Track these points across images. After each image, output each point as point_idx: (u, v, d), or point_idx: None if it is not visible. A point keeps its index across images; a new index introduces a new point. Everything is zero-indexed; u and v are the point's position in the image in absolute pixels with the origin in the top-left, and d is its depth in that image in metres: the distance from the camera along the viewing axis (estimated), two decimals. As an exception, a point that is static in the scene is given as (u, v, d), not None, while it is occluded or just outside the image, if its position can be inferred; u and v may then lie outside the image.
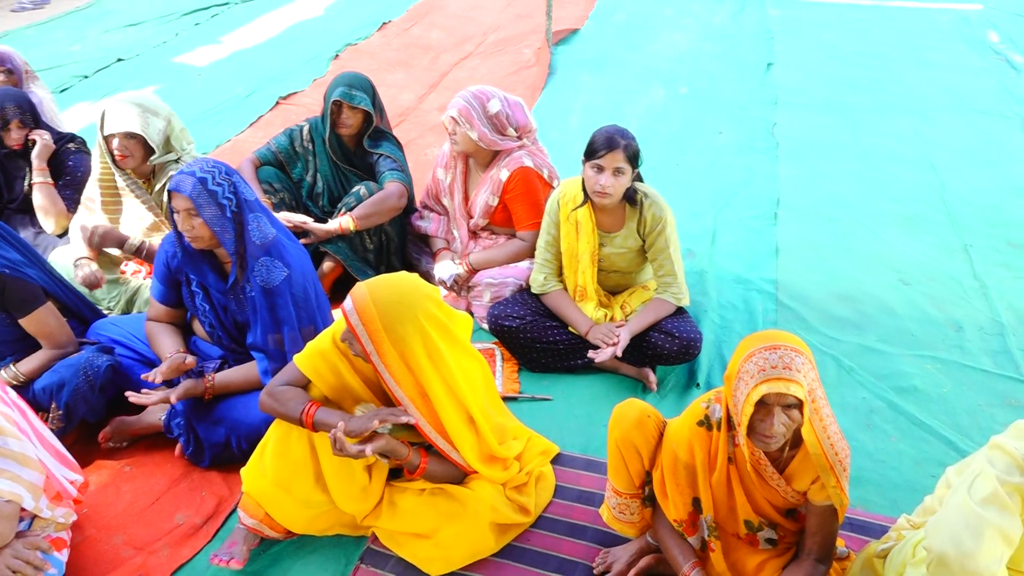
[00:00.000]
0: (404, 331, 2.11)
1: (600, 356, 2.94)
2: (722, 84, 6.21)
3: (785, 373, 1.82)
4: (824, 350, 3.29)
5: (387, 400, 2.30)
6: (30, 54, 4.62)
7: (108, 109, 3.20)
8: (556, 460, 2.72)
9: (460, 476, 2.39)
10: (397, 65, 6.66)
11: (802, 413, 1.86)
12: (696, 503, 2.13)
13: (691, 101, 5.91)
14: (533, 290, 3.21)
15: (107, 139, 3.21)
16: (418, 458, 2.28)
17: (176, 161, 3.30)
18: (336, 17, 7.96)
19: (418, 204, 3.77)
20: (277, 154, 3.62)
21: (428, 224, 3.66)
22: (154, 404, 2.58)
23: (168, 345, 2.73)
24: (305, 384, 2.28)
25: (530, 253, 3.39)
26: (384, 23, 7.67)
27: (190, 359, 2.64)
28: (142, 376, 2.60)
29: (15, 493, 2.04)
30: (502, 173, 3.37)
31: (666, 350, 3.01)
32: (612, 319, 3.11)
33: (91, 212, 3.41)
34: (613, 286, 3.21)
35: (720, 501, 2.11)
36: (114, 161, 3.24)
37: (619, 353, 2.93)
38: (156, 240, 3.33)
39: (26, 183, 3.79)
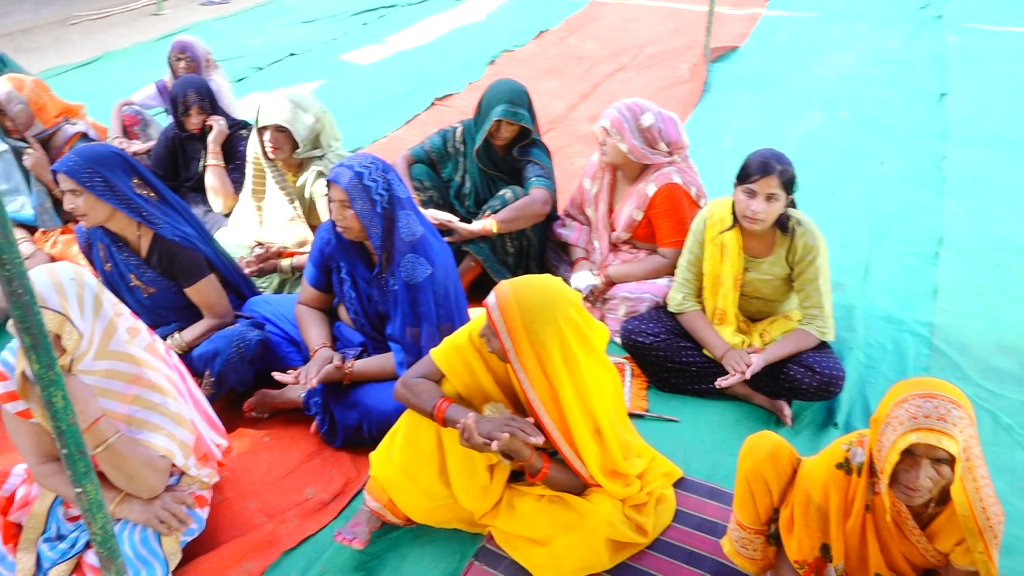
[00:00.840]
0: (543, 333, 2.13)
1: (726, 382, 2.85)
2: (888, 111, 5.90)
3: (939, 425, 1.71)
4: (981, 404, 3.06)
5: (517, 401, 2.33)
6: (214, 45, 4.97)
7: (263, 103, 3.40)
8: (678, 484, 2.66)
9: (580, 487, 2.38)
10: (550, 73, 6.73)
11: (953, 470, 1.74)
12: (825, 549, 2.03)
13: (853, 127, 5.65)
14: (670, 308, 3.16)
15: (260, 131, 3.41)
16: (540, 462, 2.29)
17: (321, 157, 3.46)
18: (497, 23, 8.14)
19: (561, 212, 3.79)
20: (430, 153, 3.73)
21: (570, 233, 3.68)
22: (295, 383, 2.71)
23: (315, 335, 2.87)
24: (439, 379, 2.34)
25: (670, 271, 3.34)
26: (541, 31, 7.78)
27: (336, 362, 2.75)
28: (291, 377, 2.72)
29: (169, 449, 2.21)
30: (649, 188, 3.33)
31: (804, 384, 2.89)
32: (750, 346, 3.01)
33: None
34: (754, 312, 3.11)
35: (852, 550, 2.01)
36: (265, 152, 3.44)
37: (747, 376, 2.84)
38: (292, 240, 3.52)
39: (201, 164, 4.10)
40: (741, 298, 3.05)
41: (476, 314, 2.66)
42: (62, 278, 2.07)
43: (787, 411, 2.95)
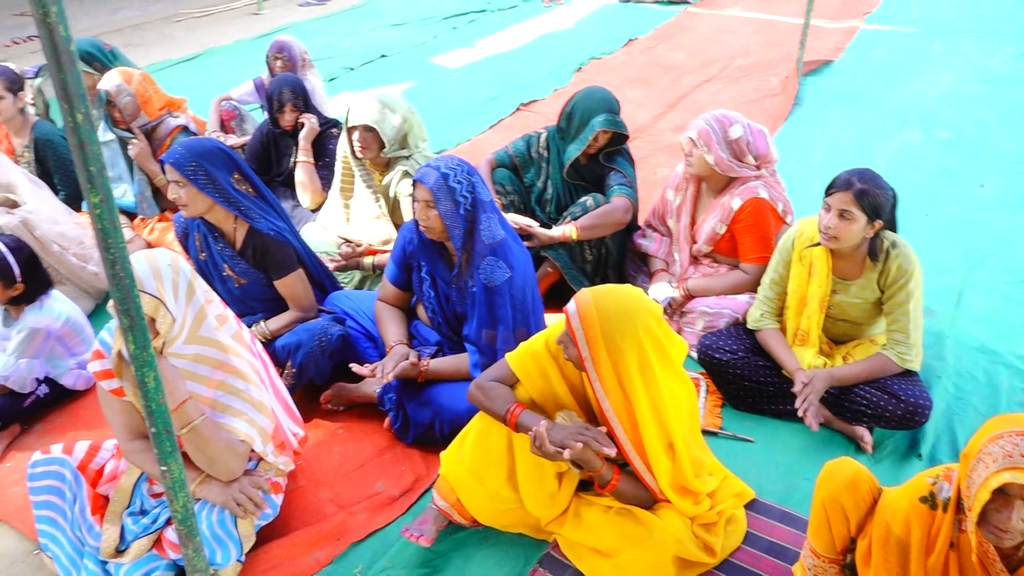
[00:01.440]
0: (622, 342, 2.12)
1: (807, 413, 2.76)
2: (990, 132, 5.65)
3: (1036, 464, 1.62)
4: (1079, 444, 2.89)
5: (590, 410, 2.32)
6: (309, 44, 5.11)
7: (354, 103, 3.48)
8: (750, 505, 2.60)
9: (649, 501, 2.35)
10: (637, 82, 6.68)
11: (1049, 512, 1.64)
12: (903, 583, 1.95)
13: (951, 148, 5.43)
14: (749, 325, 3.09)
15: (350, 130, 3.48)
16: (610, 473, 2.27)
17: (408, 157, 3.51)
18: (585, 31, 8.13)
19: (642, 222, 3.76)
20: (513, 158, 3.75)
21: (650, 243, 3.64)
22: (372, 376, 2.75)
23: (392, 332, 2.92)
24: (513, 383, 2.34)
25: (751, 287, 3.27)
26: (630, 40, 7.73)
27: (413, 359, 2.79)
28: (368, 367, 2.78)
29: (249, 435, 2.28)
30: (734, 201, 3.27)
31: (888, 412, 2.78)
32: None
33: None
34: (839, 335, 3.02)
35: (932, 587, 1.92)
36: (353, 151, 3.51)
37: (815, 401, 2.75)
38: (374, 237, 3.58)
39: (292, 160, 4.22)
40: (826, 320, 2.96)
41: (552, 320, 2.67)
42: (160, 264, 2.15)
43: (868, 438, 2.85)
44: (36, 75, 4.70)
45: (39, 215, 3.41)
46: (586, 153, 3.56)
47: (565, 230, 3.43)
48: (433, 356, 2.86)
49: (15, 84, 3.92)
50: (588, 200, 3.51)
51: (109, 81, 3.90)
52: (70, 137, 1.40)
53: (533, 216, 3.67)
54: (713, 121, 3.27)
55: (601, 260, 3.59)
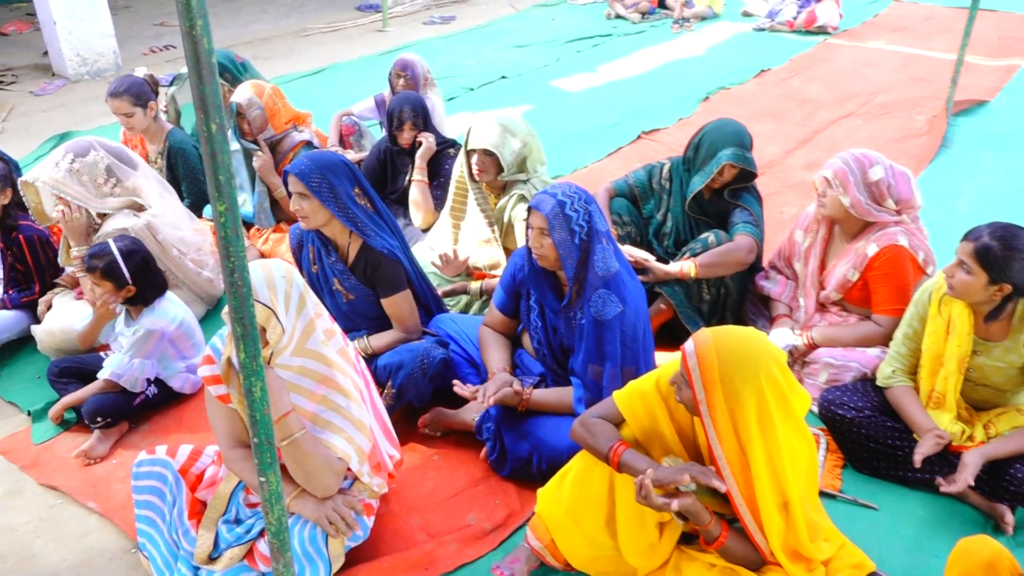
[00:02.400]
0: (741, 388, 2.06)
1: (951, 487, 2.61)
2: None
3: None
4: None
5: (698, 457, 2.26)
6: (432, 62, 5.26)
7: (475, 125, 3.55)
8: (869, 579, 2.47)
9: (757, 562, 2.27)
10: (768, 115, 6.55)
11: None
12: None
13: (1122, 203, 5.06)
14: (878, 382, 2.96)
15: (468, 153, 3.55)
16: (718, 529, 2.20)
17: (525, 182, 3.55)
18: (715, 59, 8.05)
19: (766, 263, 3.67)
20: (633, 188, 3.74)
21: (773, 286, 3.55)
22: (472, 398, 2.78)
23: (495, 358, 2.95)
24: (619, 422, 2.32)
25: (883, 340, 3.13)
26: (762, 70, 7.60)
27: (516, 387, 2.81)
28: (470, 389, 2.82)
29: (347, 453, 2.34)
30: (870, 247, 3.15)
31: (1034, 491, 2.60)
32: (971, 438, 2.75)
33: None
34: (979, 401, 2.84)
35: None
36: (471, 173, 3.57)
37: (971, 482, 2.59)
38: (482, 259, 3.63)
39: (407, 178, 4.34)
40: (965, 383, 2.79)
41: (662, 359, 2.63)
42: (275, 274, 2.25)
43: (1009, 518, 2.67)
44: (171, 83, 5.03)
45: (163, 219, 3.63)
46: (710, 187, 3.51)
47: (683, 266, 3.38)
48: (535, 387, 2.87)
49: (142, 98, 4.18)
50: (710, 236, 3.46)
51: (242, 94, 4.14)
52: (203, 146, 1.48)
53: (650, 250, 3.64)
54: (851, 160, 3.17)
55: (719, 301, 3.52)
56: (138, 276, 3.15)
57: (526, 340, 3.04)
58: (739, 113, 6.37)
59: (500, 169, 3.53)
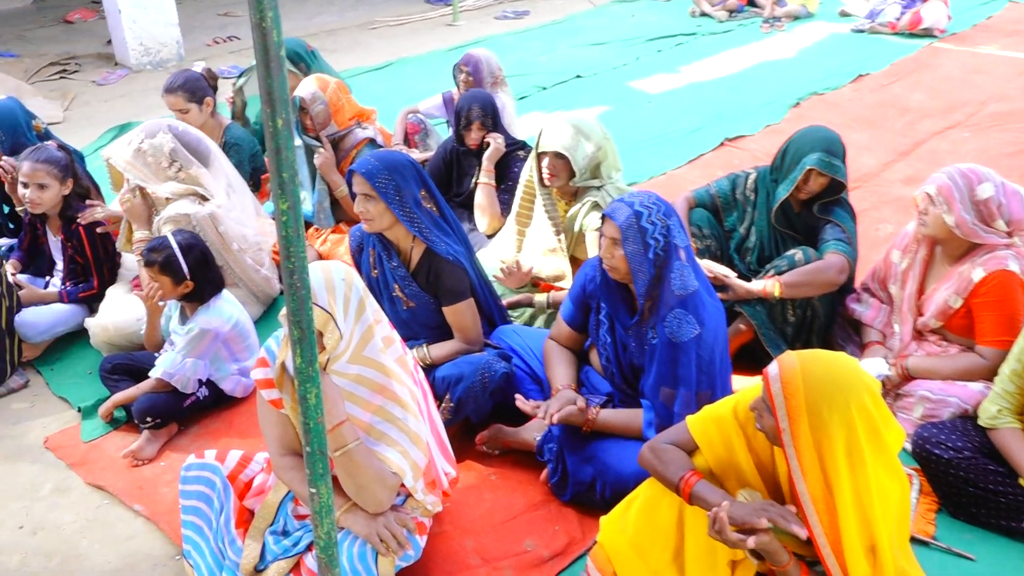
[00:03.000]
0: (829, 418, 2.02)
1: None
2: None
3: None
4: None
5: (777, 492, 2.22)
6: (503, 60, 5.29)
7: (546, 126, 3.55)
8: (963, 636, 2.39)
9: (838, 611, 2.21)
10: (864, 124, 6.42)
11: None
12: None
13: None
14: (980, 421, 2.86)
15: (539, 156, 3.56)
16: (797, 572, 2.15)
17: (599, 188, 3.53)
18: (807, 62, 7.93)
19: (858, 285, 3.59)
20: (715, 198, 3.70)
21: (865, 310, 3.47)
22: (535, 415, 2.78)
23: (561, 374, 2.94)
24: (691, 450, 2.29)
25: (987, 375, 3.03)
26: (860, 75, 7.45)
27: (581, 405, 2.80)
28: (532, 405, 2.82)
29: (401, 467, 2.36)
30: (975, 272, 3.06)
31: None
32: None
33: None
34: (1097, 446, 2.73)
35: None
36: (540, 178, 3.58)
37: None
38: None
39: (473, 181, 4.37)
40: (1081, 426, 2.69)
41: (739, 384, 2.59)
42: (334, 277, 2.29)
43: None
44: (240, 75, 5.18)
45: (227, 212, 3.73)
46: (797, 198, 3.46)
47: (767, 285, 3.33)
48: (602, 407, 2.85)
49: (197, 94, 4.32)
50: (797, 253, 3.40)
51: (305, 88, 4.23)
52: (268, 142, 1.52)
53: (730, 265, 3.59)
54: (957, 176, 3.08)
55: (805, 323, 3.45)
56: (196, 271, 3.24)
57: (594, 357, 3.03)
58: (833, 121, 6.24)
59: (572, 174, 3.53)
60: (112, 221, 3.86)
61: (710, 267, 3.38)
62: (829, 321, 3.53)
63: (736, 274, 3.43)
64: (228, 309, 3.32)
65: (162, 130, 3.69)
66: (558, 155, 3.50)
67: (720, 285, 3.35)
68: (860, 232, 3.60)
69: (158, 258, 3.18)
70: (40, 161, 3.67)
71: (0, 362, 3.56)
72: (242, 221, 3.86)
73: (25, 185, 3.69)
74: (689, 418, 2.33)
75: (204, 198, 3.70)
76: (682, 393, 2.65)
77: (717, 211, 3.71)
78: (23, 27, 9.46)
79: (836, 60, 7.92)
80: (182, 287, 3.24)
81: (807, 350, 2.14)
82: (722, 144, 6.02)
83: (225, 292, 3.38)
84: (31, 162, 3.66)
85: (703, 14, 9.56)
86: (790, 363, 2.08)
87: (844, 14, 9.44)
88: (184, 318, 3.33)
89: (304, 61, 4.77)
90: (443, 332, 3.15)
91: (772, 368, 2.10)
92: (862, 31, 8.83)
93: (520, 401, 2.80)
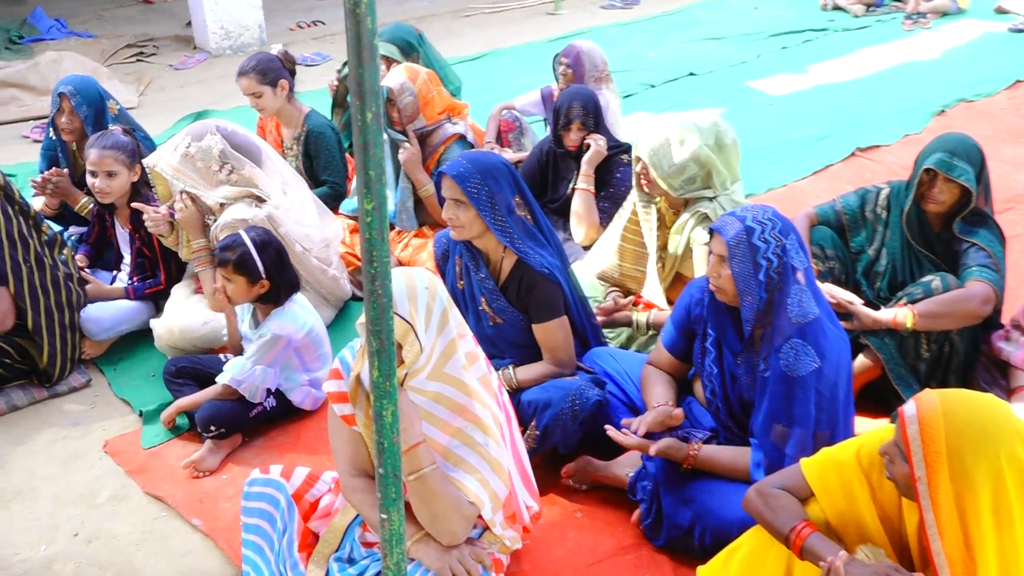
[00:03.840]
0: (974, 467, 1.95)
1: None
2: None
3: None
4: None
5: (903, 550, 2.16)
6: (608, 54, 5.28)
7: (644, 127, 3.52)
8: None
9: None
10: (1021, 137, 6.20)
11: None
12: None
13: None
14: None
15: (636, 159, 3.53)
16: (923, 646, 2.09)
17: (711, 199, 3.47)
18: (955, 64, 7.70)
19: (1006, 320, 3.46)
20: (841, 215, 3.62)
21: (1015, 350, 3.33)
22: (631, 447, 2.77)
23: (658, 393, 2.93)
24: (806, 497, 2.25)
25: None
26: (1018, 81, 7.20)
27: (678, 412, 2.79)
28: (623, 421, 2.82)
29: (480, 497, 2.37)
30: None
31: None
32: None
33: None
34: None
35: None
36: (640, 184, 3.55)
37: None
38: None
39: (570, 186, 4.37)
40: None
41: (863, 427, 2.52)
42: (417, 285, 2.33)
43: None
44: (346, 62, 5.32)
45: (286, 212, 3.81)
46: (934, 212, 3.35)
47: (898, 315, 3.24)
48: (706, 443, 2.81)
49: (269, 75, 4.41)
50: (934, 280, 3.30)
51: (394, 78, 4.31)
52: (355, 136, 1.55)
53: (856, 291, 3.51)
54: None
55: (941, 360, 3.35)
56: (272, 270, 3.32)
57: (697, 387, 2.99)
58: (983, 132, 6.04)
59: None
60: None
61: (833, 292, 3.31)
62: (970, 360, 3.41)
63: (863, 301, 3.36)
64: (303, 315, 3.39)
65: (209, 131, 3.75)
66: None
67: (844, 313, 3.28)
68: (1011, 260, 3.48)
69: (232, 256, 3.26)
70: (108, 148, 3.80)
71: (63, 358, 3.72)
72: (302, 220, 3.93)
73: (93, 174, 3.83)
74: (804, 461, 2.29)
75: (260, 199, 3.77)
76: (797, 433, 2.60)
77: (842, 230, 3.63)
78: (102, 6, 9.92)
79: (989, 63, 7.67)
80: (257, 287, 3.32)
81: (951, 390, 2.08)
82: (853, 154, 5.91)
83: (299, 296, 3.46)
84: (98, 149, 3.80)
85: (836, 7, 9.36)
86: (930, 402, 2.02)
87: (1001, 11, 9.11)
88: (256, 321, 3.42)
89: (416, 51, 4.87)
90: (531, 352, 3.16)
91: (909, 407, 2.05)
92: (1022, 31, 8.52)
93: (611, 431, 2.79)
